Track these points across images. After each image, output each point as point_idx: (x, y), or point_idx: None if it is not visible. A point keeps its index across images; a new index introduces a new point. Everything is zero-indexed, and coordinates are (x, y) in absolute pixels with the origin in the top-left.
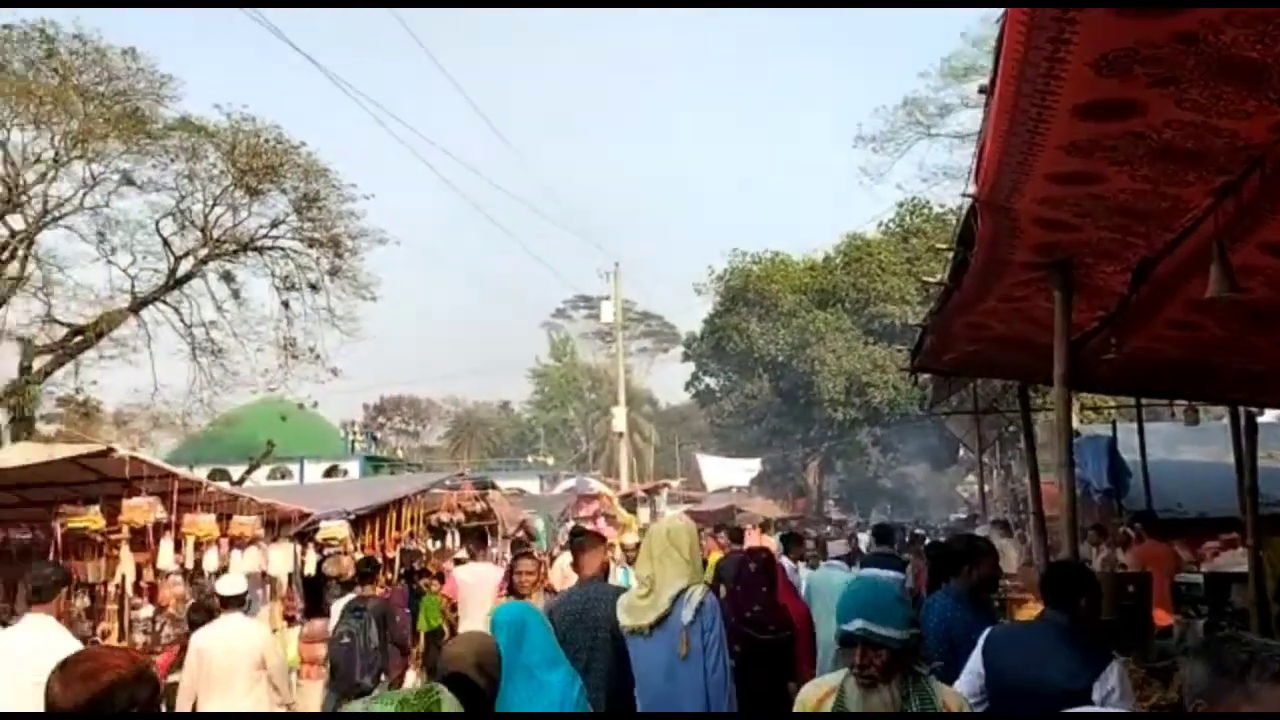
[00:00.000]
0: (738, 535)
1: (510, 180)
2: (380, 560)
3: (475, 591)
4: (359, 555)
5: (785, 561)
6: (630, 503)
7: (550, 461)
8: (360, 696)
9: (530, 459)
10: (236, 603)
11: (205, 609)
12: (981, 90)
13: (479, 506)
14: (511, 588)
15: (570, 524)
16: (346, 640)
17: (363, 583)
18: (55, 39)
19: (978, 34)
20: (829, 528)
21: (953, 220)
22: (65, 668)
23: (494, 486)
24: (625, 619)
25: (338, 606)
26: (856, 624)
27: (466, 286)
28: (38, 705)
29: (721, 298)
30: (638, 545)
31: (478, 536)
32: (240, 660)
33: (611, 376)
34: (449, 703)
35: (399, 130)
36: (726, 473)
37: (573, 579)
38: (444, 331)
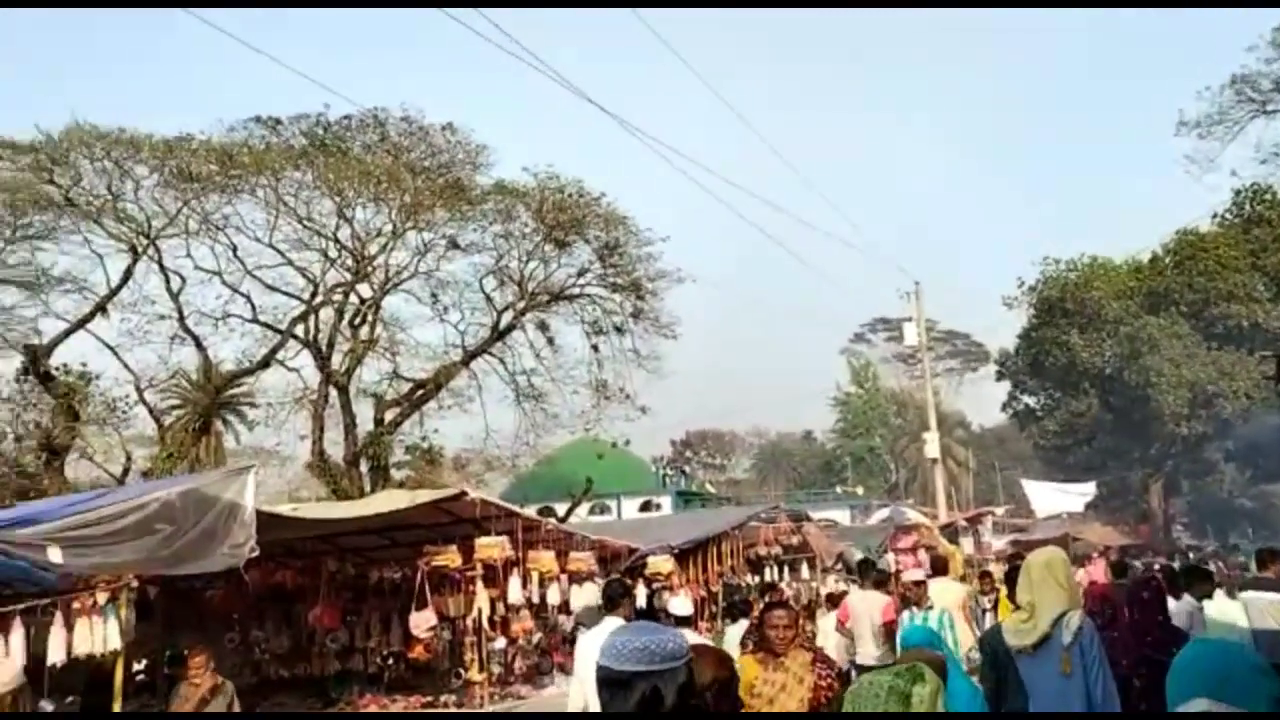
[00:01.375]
0: (1120, 569)
1: (800, 206)
2: (706, 594)
3: (864, 613)
4: (683, 588)
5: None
6: (951, 532)
7: (860, 491)
8: None
9: (839, 489)
10: (687, 622)
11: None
12: None
13: (795, 539)
14: (761, 642)
15: (889, 556)
16: None
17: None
18: (386, 123)
19: None
20: (1182, 554)
21: None
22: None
23: (807, 518)
24: (1011, 639)
25: (736, 631)
26: (1198, 704)
27: (763, 317)
28: None
29: (1035, 310)
30: (917, 582)
31: (869, 564)
32: None
33: (918, 400)
34: (929, 673)
35: (686, 167)
36: (1056, 498)
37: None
38: (744, 363)
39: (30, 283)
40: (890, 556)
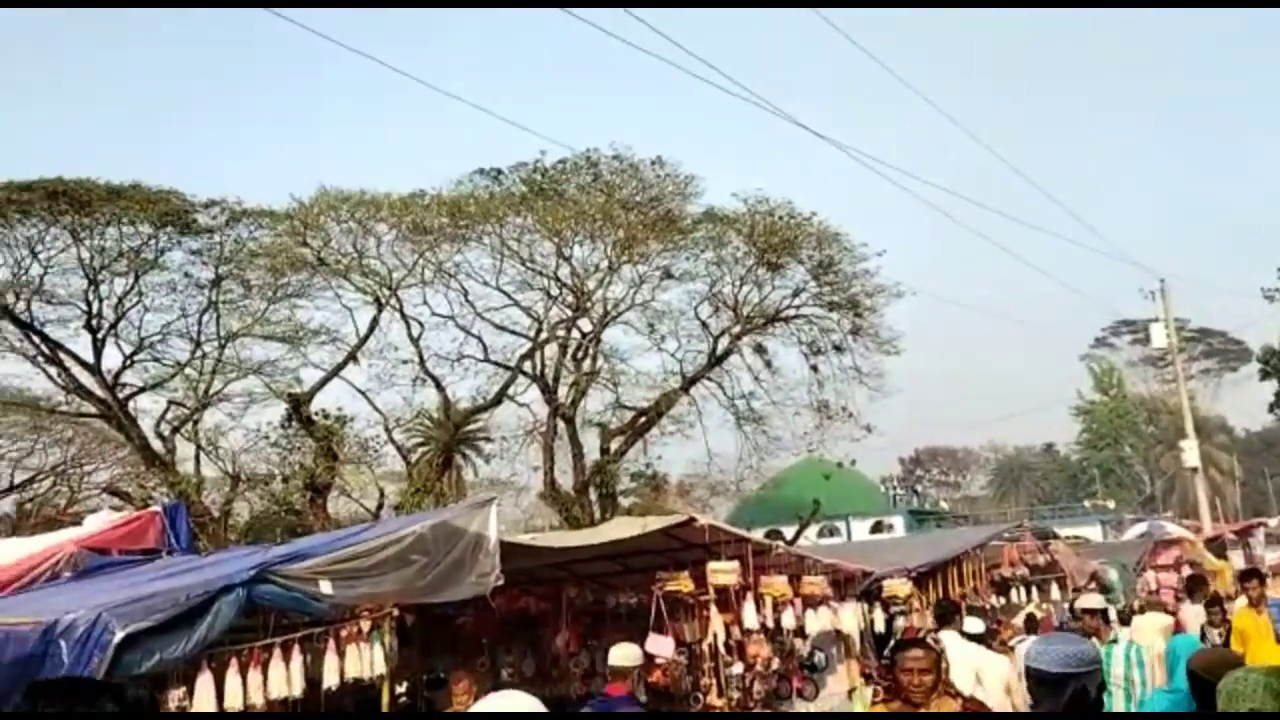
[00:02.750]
0: None
1: (1026, 210)
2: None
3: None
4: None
5: None
6: (1217, 546)
7: (1111, 505)
8: None
9: (1087, 504)
10: (980, 639)
11: None
12: None
13: (1041, 559)
14: (895, 687)
15: (1149, 574)
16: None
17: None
18: (598, 163)
19: None
20: None
21: None
22: None
23: (1055, 536)
24: None
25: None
26: None
27: (993, 327)
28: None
29: None
30: (1090, 611)
31: (1199, 582)
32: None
33: (1171, 406)
34: None
35: (901, 179)
36: None
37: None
38: (973, 376)
39: (291, 337)
40: (1149, 575)
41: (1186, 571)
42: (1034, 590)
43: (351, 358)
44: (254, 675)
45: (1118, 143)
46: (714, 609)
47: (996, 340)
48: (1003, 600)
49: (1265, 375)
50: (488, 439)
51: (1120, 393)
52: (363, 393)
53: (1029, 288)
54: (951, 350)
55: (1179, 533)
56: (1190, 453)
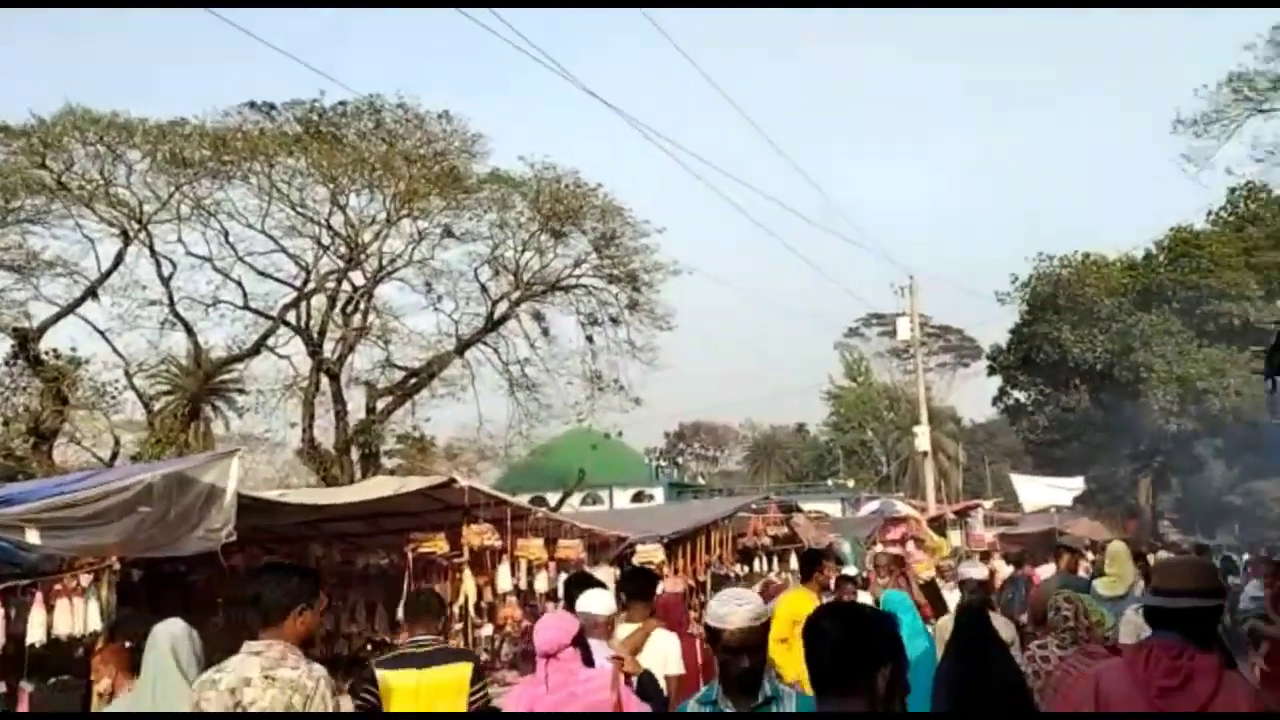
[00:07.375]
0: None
1: (796, 199)
2: (694, 583)
3: None
4: (672, 576)
5: None
6: (939, 525)
7: (851, 484)
8: None
9: (830, 482)
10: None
11: None
12: None
13: (783, 530)
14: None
15: (878, 548)
16: None
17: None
18: (381, 110)
19: None
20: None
21: None
22: None
23: (798, 510)
24: None
25: None
26: None
27: (758, 310)
28: None
29: (1028, 306)
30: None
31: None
32: None
33: (910, 395)
34: None
35: (686, 160)
36: (1044, 492)
37: None
38: (738, 357)
39: (21, 266)
40: (879, 548)
41: (910, 546)
42: (775, 559)
43: (91, 294)
44: None
45: (888, 144)
46: (467, 571)
47: (763, 325)
48: (747, 568)
49: (992, 371)
50: (242, 391)
51: (867, 380)
52: (102, 333)
53: (798, 278)
54: (721, 330)
55: (907, 511)
56: (922, 438)
